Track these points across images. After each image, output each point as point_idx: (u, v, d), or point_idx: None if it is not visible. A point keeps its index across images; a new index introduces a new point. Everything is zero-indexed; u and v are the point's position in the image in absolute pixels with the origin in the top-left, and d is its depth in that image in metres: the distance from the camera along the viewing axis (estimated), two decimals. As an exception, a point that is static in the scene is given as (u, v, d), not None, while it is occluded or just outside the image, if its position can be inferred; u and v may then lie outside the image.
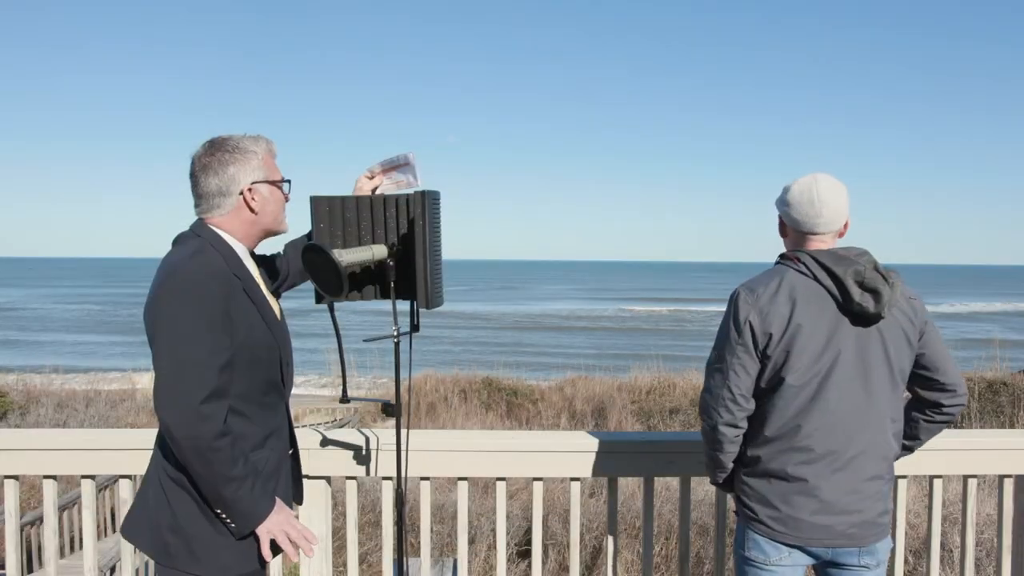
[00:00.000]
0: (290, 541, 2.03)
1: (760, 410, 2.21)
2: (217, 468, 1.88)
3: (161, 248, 2.08)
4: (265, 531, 2.00)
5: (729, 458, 2.27)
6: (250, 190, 2.04)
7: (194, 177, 2.04)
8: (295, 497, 2.30)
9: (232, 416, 1.95)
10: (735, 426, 2.21)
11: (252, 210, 2.06)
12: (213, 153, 2.02)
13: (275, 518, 2.01)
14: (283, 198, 2.14)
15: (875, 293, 2.12)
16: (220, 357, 1.90)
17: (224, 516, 1.96)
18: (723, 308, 2.26)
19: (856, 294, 2.12)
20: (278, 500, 2.05)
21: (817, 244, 2.24)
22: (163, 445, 2.01)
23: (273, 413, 2.12)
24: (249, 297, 2.02)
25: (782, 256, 2.29)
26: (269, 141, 2.12)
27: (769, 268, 2.28)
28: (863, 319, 2.15)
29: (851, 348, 2.15)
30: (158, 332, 1.89)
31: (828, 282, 2.15)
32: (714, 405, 2.21)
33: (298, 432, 2.45)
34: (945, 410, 2.30)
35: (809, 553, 2.21)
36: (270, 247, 2.31)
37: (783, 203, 2.27)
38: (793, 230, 2.27)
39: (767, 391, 2.18)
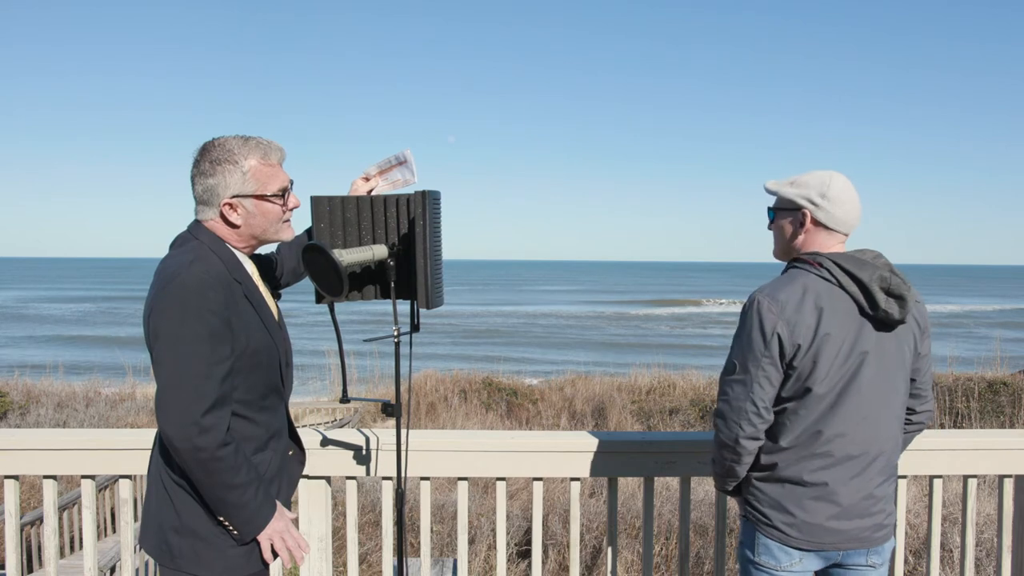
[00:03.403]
0: (286, 547, 2.03)
1: (780, 418, 2.14)
2: (220, 477, 1.87)
3: (160, 248, 2.06)
4: (266, 537, 2.00)
5: (745, 468, 2.20)
6: (229, 204, 1.97)
7: (190, 180, 2.00)
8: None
9: (233, 419, 1.94)
10: (756, 439, 2.14)
11: (232, 223, 1.99)
12: (200, 161, 1.96)
13: (275, 524, 2.01)
14: (275, 210, 2.01)
15: (900, 299, 2.08)
16: (222, 367, 1.87)
17: (227, 524, 1.95)
18: (723, 308, 2.23)
19: (882, 300, 2.07)
20: (279, 505, 2.04)
21: (837, 246, 2.17)
22: (164, 448, 1.99)
23: (274, 415, 2.11)
24: (249, 301, 2.00)
25: (797, 259, 2.18)
26: (268, 146, 1.99)
27: (787, 272, 2.18)
28: (885, 324, 2.11)
29: (873, 353, 2.11)
30: (158, 342, 1.86)
31: (853, 288, 2.09)
32: (735, 418, 2.12)
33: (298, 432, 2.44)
34: (916, 416, 2.29)
35: (821, 557, 2.17)
36: (268, 247, 2.29)
37: (822, 198, 2.12)
38: (822, 228, 2.15)
39: (789, 400, 2.12)
